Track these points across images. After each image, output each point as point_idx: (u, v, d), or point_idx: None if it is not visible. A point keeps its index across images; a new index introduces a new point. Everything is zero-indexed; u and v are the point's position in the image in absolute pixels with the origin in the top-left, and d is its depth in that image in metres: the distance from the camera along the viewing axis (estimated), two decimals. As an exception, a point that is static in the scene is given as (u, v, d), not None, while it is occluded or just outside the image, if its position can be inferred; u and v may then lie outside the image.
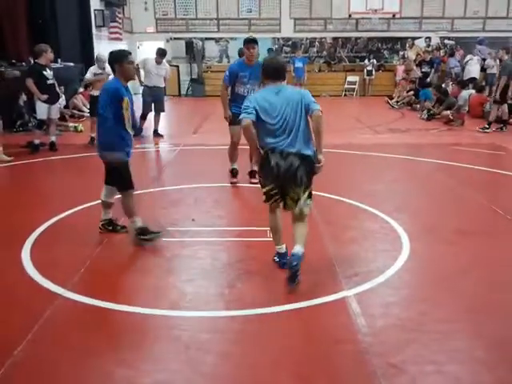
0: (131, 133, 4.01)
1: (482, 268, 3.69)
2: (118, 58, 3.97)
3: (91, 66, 8.82)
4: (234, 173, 5.97)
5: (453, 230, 4.47)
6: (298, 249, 3.31)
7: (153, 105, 9.16)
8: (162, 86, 9.24)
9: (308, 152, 3.35)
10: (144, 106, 9.17)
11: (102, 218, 4.26)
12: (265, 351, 2.66)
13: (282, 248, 3.62)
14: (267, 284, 3.42)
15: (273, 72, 3.43)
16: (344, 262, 3.71)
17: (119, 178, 4.05)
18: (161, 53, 9.16)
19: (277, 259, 3.66)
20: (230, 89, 5.73)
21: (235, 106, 5.49)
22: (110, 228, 4.28)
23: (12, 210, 5.04)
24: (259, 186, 3.59)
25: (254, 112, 3.30)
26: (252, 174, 5.83)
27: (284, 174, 3.31)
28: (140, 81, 9.16)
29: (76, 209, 4.88)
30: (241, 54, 11.27)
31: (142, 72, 9.05)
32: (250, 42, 5.54)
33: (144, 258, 3.85)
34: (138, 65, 8.80)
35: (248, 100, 3.44)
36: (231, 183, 5.94)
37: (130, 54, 4.11)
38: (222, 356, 2.65)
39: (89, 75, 8.44)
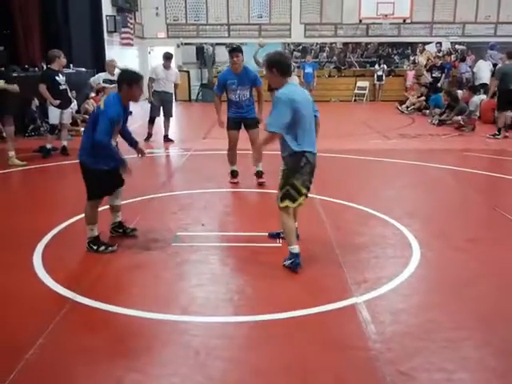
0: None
1: (493, 275, 3.66)
2: (130, 80, 3.84)
3: (103, 71, 8.90)
4: (234, 174, 6.18)
5: (463, 236, 4.45)
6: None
7: (162, 110, 9.24)
8: (171, 91, 9.26)
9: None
10: (152, 110, 9.26)
11: (112, 221, 4.31)
12: (274, 357, 2.66)
13: (296, 248, 3.65)
14: (276, 290, 3.42)
15: (288, 68, 3.52)
16: (354, 268, 3.70)
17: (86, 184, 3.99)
18: (167, 56, 9.17)
19: (290, 261, 3.64)
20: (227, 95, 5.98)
21: (230, 111, 5.94)
22: (121, 231, 4.32)
23: (24, 213, 5.09)
24: (284, 189, 3.63)
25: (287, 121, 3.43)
26: (258, 174, 6.08)
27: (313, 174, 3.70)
28: (149, 96, 9.13)
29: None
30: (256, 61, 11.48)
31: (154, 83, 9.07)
32: (234, 51, 5.74)
33: (154, 263, 3.87)
34: (150, 78, 8.91)
35: (284, 103, 3.40)
36: (231, 183, 6.15)
37: (142, 78, 3.99)
38: (231, 361, 2.65)
39: (94, 82, 8.44)
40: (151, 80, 9.06)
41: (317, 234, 4.43)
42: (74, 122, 10.05)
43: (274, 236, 4.25)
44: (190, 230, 4.56)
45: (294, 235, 3.69)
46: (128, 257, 3.97)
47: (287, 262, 3.66)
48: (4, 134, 7.41)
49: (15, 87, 6.97)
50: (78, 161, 3.99)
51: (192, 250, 4.09)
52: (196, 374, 2.54)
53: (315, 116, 3.76)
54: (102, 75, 8.46)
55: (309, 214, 5.01)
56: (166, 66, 9.07)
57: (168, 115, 9.37)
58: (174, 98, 9.36)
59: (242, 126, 6.02)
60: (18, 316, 3.06)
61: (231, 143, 6.07)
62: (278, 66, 3.51)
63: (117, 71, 8.63)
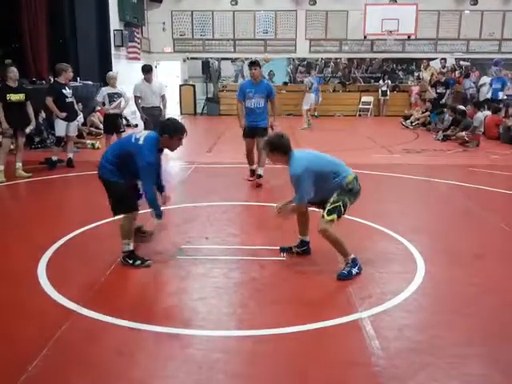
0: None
1: (499, 291, 3.63)
2: (173, 132, 3.86)
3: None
4: (252, 172, 7.05)
5: (468, 252, 4.42)
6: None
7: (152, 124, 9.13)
8: (159, 105, 8.76)
9: None
10: (145, 127, 9.09)
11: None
12: (277, 372, 2.64)
13: (352, 255, 3.83)
14: (280, 304, 3.41)
15: (288, 146, 3.78)
16: (358, 283, 3.68)
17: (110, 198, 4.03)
18: (145, 69, 8.70)
19: (357, 269, 3.79)
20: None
21: (246, 119, 6.90)
22: (140, 234, 4.42)
23: (28, 225, 5.11)
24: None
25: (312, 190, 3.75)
26: (258, 177, 6.88)
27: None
28: (140, 113, 8.88)
29: (92, 225, 4.94)
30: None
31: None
32: (252, 64, 6.86)
33: (158, 276, 3.86)
34: (135, 97, 8.65)
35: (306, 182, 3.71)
36: (248, 180, 6.98)
37: (186, 133, 3.97)
38: (234, 376, 2.63)
39: (100, 98, 8.44)
40: (137, 98, 8.67)
41: (321, 248, 4.40)
42: (80, 135, 10.13)
43: (286, 250, 4.23)
44: (194, 243, 4.56)
45: (346, 244, 3.83)
46: (132, 269, 3.96)
47: (354, 270, 3.76)
48: (12, 146, 7.49)
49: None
50: (99, 177, 4.08)
51: (196, 263, 4.09)
52: (199, 388, 2.53)
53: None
54: (105, 90, 8.46)
55: (313, 228, 5.00)
56: (148, 79, 8.65)
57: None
58: (162, 111, 8.75)
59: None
60: (21, 327, 3.06)
61: (248, 149, 7.00)
62: (279, 148, 3.77)
63: (120, 87, 8.69)
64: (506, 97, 14.17)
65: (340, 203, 3.78)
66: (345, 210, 3.83)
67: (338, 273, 3.78)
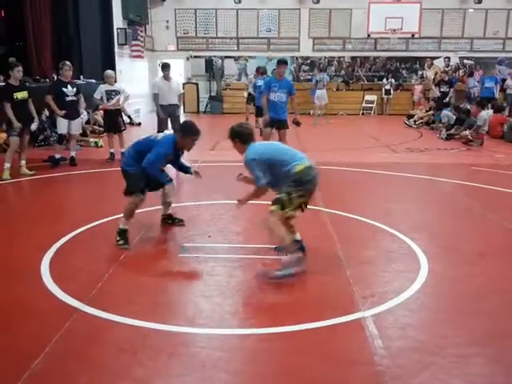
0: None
1: (503, 290, 3.62)
2: (186, 132, 4.37)
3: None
4: None
5: (472, 251, 4.41)
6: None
7: (169, 122, 9.22)
8: (177, 102, 9.00)
9: None
10: (159, 123, 9.20)
11: (162, 213, 4.88)
12: (279, 371, 2.64)
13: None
14: (283, 303, 3.41)
15: (248, 136, 3.98)
16: (361, 282, 3.68)
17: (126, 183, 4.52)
18: (165, 65, 8.94)
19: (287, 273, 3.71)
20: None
21: (270, 111, 7.57)
22: (170, 221, 4.85)
23: (32, 223, 5.12)
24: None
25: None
26: None
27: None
28: (157, 110, 9.08)
29: (94, 223, 4.95)
30: (257, 70, 12.33)
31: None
32: (281, 62, 7.63)
33: (160, 274, 3.87)
34: (154, 94, 8.95)
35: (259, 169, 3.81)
36: None
37: (198, 134, 4.40)
38: (237, 374, 2.63)
39: (98, 96, 8.47)
40: (155, 95, 8.94)
41: (324, 248, 4.41)
42: (84, 133, 10.14)
43: (281, 250, 4.23)
44: (197, 241, 4.56)
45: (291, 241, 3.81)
46: (135, 267, 3.97)
47: (283, 272, 3.69)
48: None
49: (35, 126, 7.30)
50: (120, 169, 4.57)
51: (199, 261, 4.09)
52: (201, 386, 2.53)
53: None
54: (103, 87, 8.50)
55: (316, 227, 5.00)
56: (166, 77, 8.87)
57: (175, 127, 9.32)
58: (180, 108, 9.22)
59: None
60: (24, 325, 3.06)
61: (265, 139, 7.39)
62: (238, 136, 3.98)
63: (118, 85, 8.73)
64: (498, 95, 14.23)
65: (284, 194, 3.72)
66: (291, 202, 3.71)
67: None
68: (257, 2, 17.84)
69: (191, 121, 4.63)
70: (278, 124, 7.59)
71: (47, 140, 9.85)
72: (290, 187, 3.72)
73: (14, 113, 6.96)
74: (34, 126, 7.32)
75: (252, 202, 6.07)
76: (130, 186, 4.44)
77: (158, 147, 4.31)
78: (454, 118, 11.98)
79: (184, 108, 18.15)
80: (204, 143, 10.91)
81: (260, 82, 11.94)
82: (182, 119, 9.40)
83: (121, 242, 4.33)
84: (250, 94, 13.88)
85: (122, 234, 4.37)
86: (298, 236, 4.13)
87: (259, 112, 12.00)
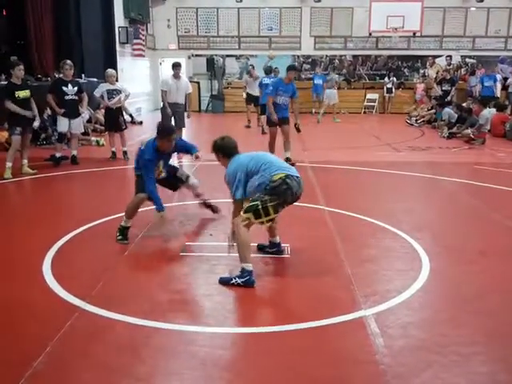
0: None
1: (504, 289, 3.62)
2: (160, 133, 4.40)
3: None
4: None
5: (474, 250, 4.41)
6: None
7: (173, 120, 9.25)
8: (183, 102, 9.12)
9: None
10: (163, 120, 9.25)
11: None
12: (281, 369, 2.64)
13: (251, 266, 3.60)
14: (284, 301, 3.41)
15: (231, 150, 3.96)
16: (362, 281, 3.67)
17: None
18: (175, 64, 9.03)
19: (244, 279, 3.54)
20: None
21: (278, 111, 7.86)
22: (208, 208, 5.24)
23: (34, 222, 5.13)
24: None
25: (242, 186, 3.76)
26: (287, 160, 7.55)
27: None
28: (163, 107, 9.16)
29: (96, 222, 4.95)
30: (266, 70, 12.42)
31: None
32: (292, 69, 7.99)
33: (162, 273, 3.87)
34: (162, 91, 9.04)
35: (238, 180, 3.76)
36: None
37: (170, 135, 4.44)
38: (237, 373, 2.63)
39: (98, 94, 8.48)
40: (163, 92, 9.03)
41: (326, 246, 4.41)
42: (86, 132, 10.14)
43: (261, 249, 4.22)
44: (198, 240, 4.56)
45: (250, 252, 3.65)
46: (136, 266, 3.97)
47: (240, 280, 3.53)
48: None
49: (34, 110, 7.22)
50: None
51: (200, 259, 4.09)
52: (203, 384, 2.53)
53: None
54: (104, 86, 8.52)
55: (318, 225, 5.00)
56: (176, 76, 8.97)
57: (179, 126, 9.36)
58: (186, 108, 9.28)
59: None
60: (26, 324, 3.07)
61: (272, 137, 8.07)
62: (220, 150, 3.97)
63: (119, 84, 8.75)
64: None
65: (258, 202, 3.60)
66: (266, 211, 3.60)
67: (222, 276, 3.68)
68: (258, 0, 17.83)
69: (165, 122, 4.74)
70: (281, 121, 7.94)
71: (49, 139, 9.85)
72: (266, 195, 3.63)
73: (16, 112, 6.97)
74: (36, 123, 7.30)
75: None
76: (136, 187, 4.60)
77: (143, 164, 4.43)
78: (456, 116, 11.95)
79: (185, 108, 18.20)
80: (205, 142, 10.90)
81: (266, 81, 11.95)
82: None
83: (119, 237, 4.45)
84: (248, 95, 13.81)
85: (122, 230, 4.47)
86: (277, 239, 4.14)
87: (263, 110, 12.01)
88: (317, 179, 7.11)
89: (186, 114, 9.29)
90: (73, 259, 4.09)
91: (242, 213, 3.65)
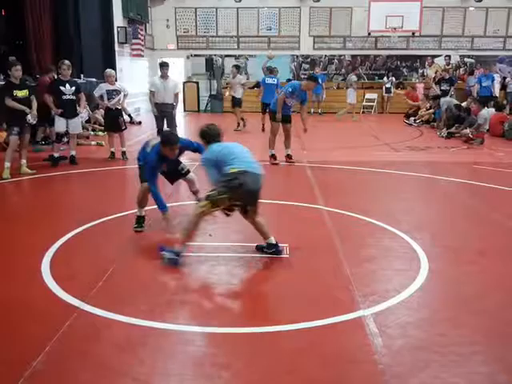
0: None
1: (504, 289, 3.62)
2: (163, 141, 4.47)
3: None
4: (274, 157, 8.26)
5: (473, 250, 4.41)
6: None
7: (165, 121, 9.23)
8: (171, 102, 8.94)
9: None
10: (156, 122, 9.24)
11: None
12: (279, 369, 2.64)
13: (184, 250, 3.94)
14: (283, 301, 3.41)
15: (212, 137, 4.19)
16: (361, 281, 3.68)
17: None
18: (162, 64, 8.98)
19: (173, 257, 3.86)
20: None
21: (282, 110, 8.05)
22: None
23: (33, 222, 5.12)
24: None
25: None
26: (288, 156, 8.33)
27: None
28: (152, 108, 9.13)
29: (95, 222, 4.95)
30: (269, 70, 12.23)
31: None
32: (315, 81, 8.20)
33: (161, 273, 3.87)
34: (150, 91, 9.01)
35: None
36: (272, 164, 8.09)
37: (173, 144, 4.47)
38: (236, 372, 2.63)
39: (97, 94, 8.47)
40: (151, 93, 8.97)
41: (324, 246, 4.41)
42: (87, 129, 10.14)
43: (260, 249, 4.23)
44: (198, 240, 4.56)
45: (192, 239, 3.93)
46: (135, 266, 3.97)
47: (168, 255, 3.86)
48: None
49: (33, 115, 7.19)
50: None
51: (199, 260, 4.09)
52: (202, 384, 2.53)
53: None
54: (103, 86, 8.50)
55: (317, 225, 5.01)
56: (163, 75, 8.87)
57: (170, 126, 9.31)
58: (174, 108, 9.01)
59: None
60: (25, 323, 3.07)
61: (273, 133, 8.25)
62: (202, 136, 4.23)
63: (118, 84, 8.74)
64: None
65: (215, 192, 3.83)
66: (220, 202, 3.82)
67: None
68: (257, 0, 17.82)
69: (169, 131, 4.85)
70: (284, 119, 8.12)
71: (47, 139, 9.83)
72: (222, 187, 3.82)
73: (15, 111, 6.97)
74: (31, 119, 7.20)
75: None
76: (140, 175, 4.81)
77: (148, 159, 4.55)
78: (454, 106, 11.95)
79: (184, 107, 18.22)
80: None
81: (270, 80, 11.93)
82: (181, 118, 9.44)
83: (135, 226, 4.72)
84: (232, 98, 13.01)
85: (138, 219, 4.77)
86: (272, 239, 4.13)
87: (264, 108, 11.98)
88: (315, 179, 7.12)
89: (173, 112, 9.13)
90: (71, 259, 4.09)
91: (200, 203, 3.91)
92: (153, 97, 8.95)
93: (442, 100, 12.50)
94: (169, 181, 5.21)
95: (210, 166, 3.99)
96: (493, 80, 14.29)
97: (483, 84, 14.25)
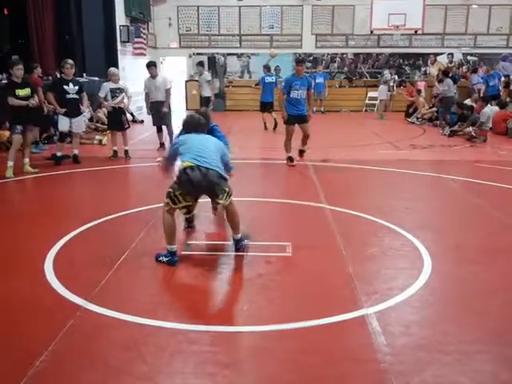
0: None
1: (506, 288, 3.61)
2: (183, 126, 4.32)
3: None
4: (291, 159, 7.95)
5: (476, 248, 4.40)
6: None
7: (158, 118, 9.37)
8: (163, 99, 9.12)
9: None
10: (153, 120, 9.43)
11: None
12: (283, 368, 2.64)
13: (175, 247, 3.93)
14: (286, 300, 3.41)
15: (192, 127, 4.15)
16: (364, 279, 3.67)
17: None
18: (147, 65, 9.22)
19: (167, 258, 3.88)
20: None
21: (289, 109, 7.74)
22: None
23: (35, 221, 5.14)
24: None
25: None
26: (301, 152, 8.12)
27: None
28: (146, 108, 9.45)
29: (98, 221, 4.95)
30: (267, 68, 12.19)
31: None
32: (300, 62, 7.94)
33: (164, 272, 3.87)
34: (145, 93, 9.28)
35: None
36: (290, 166, 7.83)
37: (198, 126, 4.29)
38: (240, 371, 2.64)
39: (102, 94, 8.50)
40: (146, 94, 9.30)
41: (327, 244, 4.41)
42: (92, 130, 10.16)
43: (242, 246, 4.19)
44: (201, 238, 4.56)
45: (173, 235, 3.90)
46: (138, 265, 3.97)
47: (165, 259, 3.88)
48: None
49: (34, 102, 7.15)
50: None
51: (202, 258, 4.09)
52: (205, 383, 2.53)
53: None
54: (107, 85, 8.52)
55: (319, 224, 5.00)
56: (152, 75, 9.10)
57: (164, 123, 9.43)
58: (163, 104, 9.12)
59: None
60: (28, 322, 3.07)
61: (289, 135, 7.91)
62: (183, 125, 4.25)
63: (121, 82, 8.77)
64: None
65: (171, 189, 3.87)
66: (175, 197, 3.83)
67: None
68: (259, -2, 17.81)
69: (191, 114, 4.52)
70: (300, 119, 7.82)
71: (51, 138, 9.84)
72: (175, 183, 3.88)
73: (17, 110, 6.99)
74: (34, 102, 7.18)
75: (256, 199, 6.07)
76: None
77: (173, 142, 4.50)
78: (457, 104, 11.96)
79: (186, 105, 18.18)
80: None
81: (269, 79, 11.93)
82: (178, 115, 9.49)
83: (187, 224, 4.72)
84: (200, 97, 12.85)
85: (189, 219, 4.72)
86: (236, 236, 4.10)
87: (264, 107, 11.98)
88: (318, 177, 7.11)
89: (164, 109, 9.19)
90: (75, 258, 4.09)
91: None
92: (148, 97, 9.20)
93: (445, 81, 12.67)
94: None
95: (172, 150, 4.08)
96: (499, 78, 14.23)
97: (490, 84, 14.19)
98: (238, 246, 4.11)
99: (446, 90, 12.79)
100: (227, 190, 3.91)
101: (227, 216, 4.07)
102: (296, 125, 7.85)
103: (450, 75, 14.84)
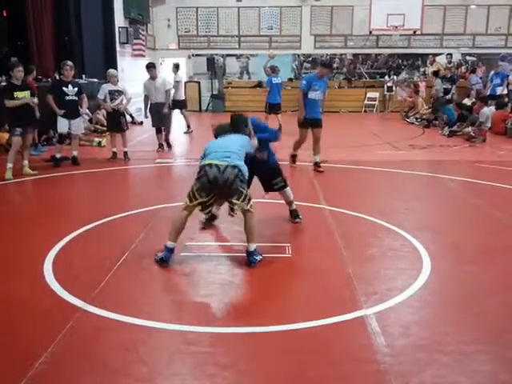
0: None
1: (507, 288, 3.61)
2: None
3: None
4: (294, 160, 7.94)
5: (475, 248, 4.40)
6: None
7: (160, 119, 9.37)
8: (162, 101, 9.10)
9: None
10: (152, 121, 9.44)
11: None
12: (282, 369, 2.64)
13: (173, 244, 3.98)
14: (285, 301, 3.41)
15: (218, 132, 4.45)
16: (363, 280, 3.67)
17: None
18: (148, 66, 9.24)
19: (163, 254, 3.92)
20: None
21: (307, 110, 7.54)
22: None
23: (34, 222, 5.13)
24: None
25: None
26: (316, 164, 7.75)
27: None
28: (144, 110, 9.49)
29: (97, 223, 4.95)
30: (272, 69, 12.09)
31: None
32: (328, 67, 8.05)
33: (163, 273, 3.87)
34: (145, 95, 9.27)
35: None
36: (291, 166, 7.79)
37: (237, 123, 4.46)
38: (239, 372, 2.64)
39: (101, 96, 8.49)
40: (145, 97, 9.29)
41: (326, 245, 4.41)
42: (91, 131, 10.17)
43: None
44: (199, 239, 4.56)
45: (177, 233, 3.98)
46: (137, 266, 3.97)
47: (160, 255, 3.93)
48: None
49: (35, 101, 7.15)
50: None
51: (201, 259, 4.09)
52: (204, 384, 2.53)
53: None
54: (105, 87, 8.52)
55: (319, 224, 5.00)
56: (152, 76, 9.10)
57: (164, 125, 9.45)
58: (163, 106, 9.11)
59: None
60: (28, 324, 3.07)
61: (302, 139, 7.78)
62: (214, 131, 4.47)
63: (121, 84, 8.77)
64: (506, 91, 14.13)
65: (191, 187, 4.00)
66: (192, 193, 3.95)
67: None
68: (258, -1, 17.83)
69: (236, 114, 4.64)
70: (314, 123, 7.68)
71: (50, 140, 9.85)
72: (195, 180, 4.02)
73: (16, 112, 6.99)
74: (35, 100, 7.19)
75: (256, 200, 6.07)
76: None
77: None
78: (456, 104, 12.02)
79: (186, 106, 18.17)
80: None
81: (276, 80, 11.92)
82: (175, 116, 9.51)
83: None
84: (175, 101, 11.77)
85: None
86: (251, 247, 4.00)
87: (272, 108, 11.95)
88: (317, 178, 7.11)
89: (165, 110, 9.18)
90: (74, 260, 4.09)
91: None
92: (147, 99, 9.20)
93: (436, 81, 12.87)
94: (263, 187, 5.03)
95: (202, 156, 4.20)
96: (503, 77, 14.20)
97: (494, 83, 14.16)
98: (249, 259, 3.97)
99: (438, 90, 12.91)
100: (244, 191, 3.93)
101: (244, 223, 4.04)
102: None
103: (449, 75, 14.86)
